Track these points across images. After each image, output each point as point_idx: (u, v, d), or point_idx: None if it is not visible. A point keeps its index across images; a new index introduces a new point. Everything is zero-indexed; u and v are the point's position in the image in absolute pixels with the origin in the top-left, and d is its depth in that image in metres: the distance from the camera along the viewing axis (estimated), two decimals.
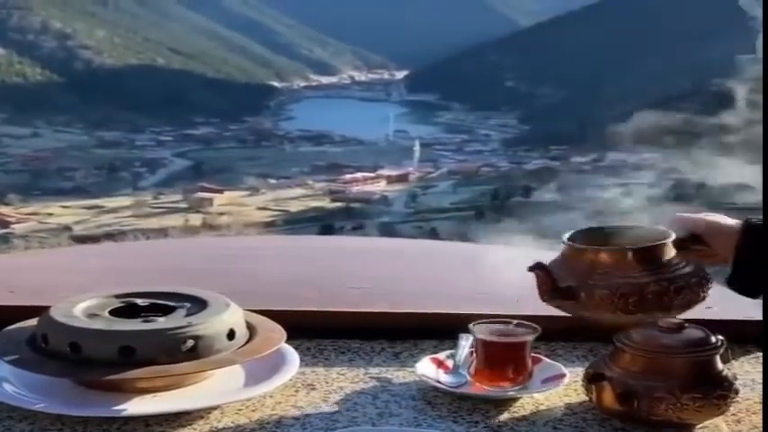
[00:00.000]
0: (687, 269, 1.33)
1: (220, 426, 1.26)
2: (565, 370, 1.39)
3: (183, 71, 39.24)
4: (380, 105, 40.10)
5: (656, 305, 1.30)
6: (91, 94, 36.81)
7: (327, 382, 1.41)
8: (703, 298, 1.34)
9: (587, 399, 1.32)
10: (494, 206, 29.68)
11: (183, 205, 31.30)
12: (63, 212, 30.78)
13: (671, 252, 1.35)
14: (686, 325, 1.27)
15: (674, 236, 1.36)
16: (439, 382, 1.36)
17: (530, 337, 1.34)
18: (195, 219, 28.37)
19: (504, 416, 1.30)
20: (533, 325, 1.35)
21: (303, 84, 41.81)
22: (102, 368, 1.26)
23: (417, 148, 34.78)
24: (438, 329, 1.57)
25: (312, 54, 43.29)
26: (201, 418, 1.27)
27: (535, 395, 1.35)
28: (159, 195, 32.92)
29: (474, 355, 1.37)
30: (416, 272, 1.95)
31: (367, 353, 1.54)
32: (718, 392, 1.23)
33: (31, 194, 31.96)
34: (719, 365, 1.25)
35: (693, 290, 1.32)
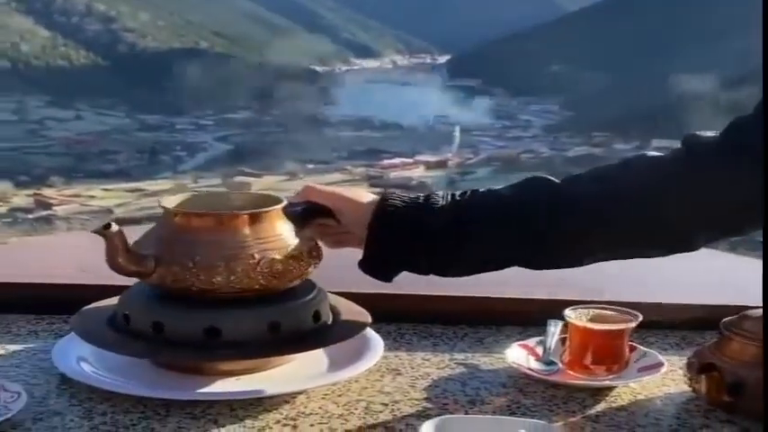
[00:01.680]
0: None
1: (307, 411, 1.21)
2: (662, 358, 1.33)
3: (225, 54, 39.36)
4: (422, 90, 39.99)
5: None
6: (134, 77, 37.03)
7: (413, 368, 1.36)
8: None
9: (689, 389, 1.26)
10: None
11: (223, 189, 31.43)
12: (105, 195, 31.04)
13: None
14: None
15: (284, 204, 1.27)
16: (531, 369, 1.31)
17: (631, 325, 1.28)
18: None
19: (602, 405, 1.25)
20: (634, 312, 1.29)
21: (345, 68, 41.76)
22: (186, 349, 1.22)
23: (457, 133, 34.63)
24: (521, 315, 1.52)
25: (354, 38, 43.24)
26: (287, 402, 1.23)
27: (631, 384, 1.29)
28: (199, 179, 33.10)
29: (568, 341, 1.32)
30: None
31: (450, 338, 1.49)
32: None
33: (73, 177, 32.24)
34: None
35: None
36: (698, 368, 1.20)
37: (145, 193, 31.48)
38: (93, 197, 30.69)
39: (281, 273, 1.23)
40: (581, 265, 1.27)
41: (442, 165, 33.67)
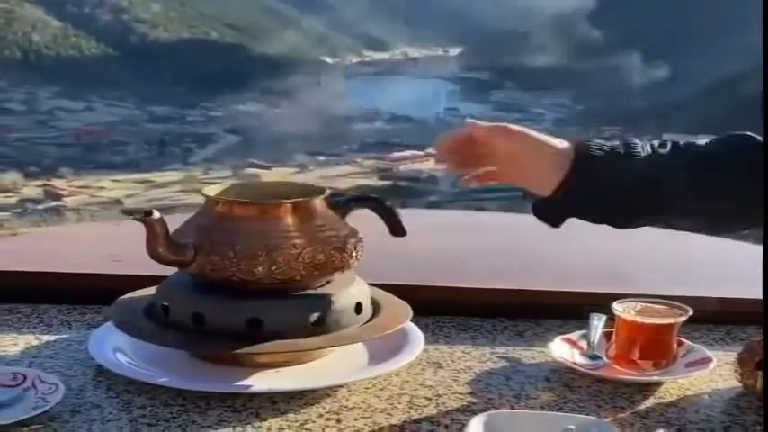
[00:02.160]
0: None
1: (349, 404, 1.19)
2: (710, 354, 1.30)
3: (236, 46, 39.30)
4: (433, 83, 39.88)
5: None
6: (144, 68, 37.01)
7: (453, 361, 1.34)
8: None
9: (738, 384, 1.23)
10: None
11: (233, 181, 31.36)
12: (114, 186, 31.06)
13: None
14: None
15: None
16: (576, 363, 1.29)
17: (681, 319, 1.25)
18: None
19: (650, 401, 1.22)
20: (683, 306, 1.26)
21: (356, 60, 41.67)
22: (227, 341, 1.20)
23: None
24: (559, 307, 1.50)
25: (366, 30, 43.15)
26: (328, 395, 1.20)
27: (679, 380, 1.27)
28: (209, 171, 33.09)
29: (614, 335, 1.29)
30: (526, 247, 1.87)
31: (489, 331, 1.46)
32: None
33: (82, 168, 32.26)
34: None
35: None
36: (755, 364, 1.17)
37: (154, 184, 31.50)
38: (102, 188, 30.72)
39: (323, 264, 1.20)
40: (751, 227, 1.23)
41: None
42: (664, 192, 1.16)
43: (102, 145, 35.07)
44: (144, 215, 1.17)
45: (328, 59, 40.82)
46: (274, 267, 1.18)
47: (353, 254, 1.24)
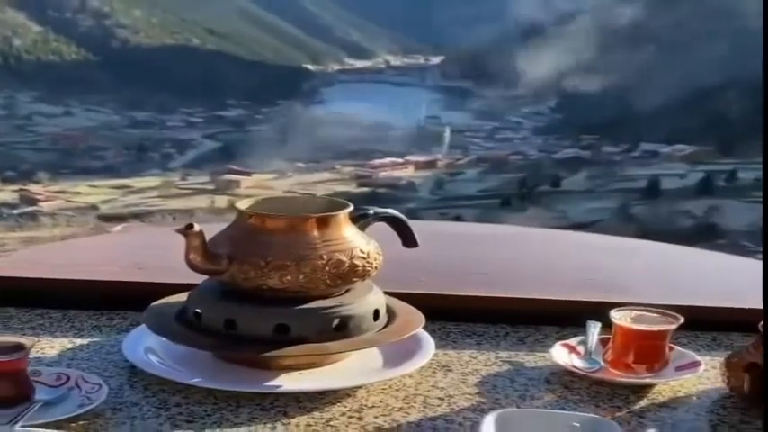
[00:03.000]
0: None
1: (369, 403, 1.29)
2: (699, 358, 1.41)
3: (217, 52, 39.32)
4: (414, 90, 40.03)
5: None
6: (125, 73, 36.94)
7: (461, 365, 1.44)
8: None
9: (724, 386, 1.34)
10: (521, 194, 29.65)
11: (211, 187, 31.39)
12: (91, 192, 30.93)
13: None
14: None
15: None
16: (575, 367, 1.39)
17: (672, 326, 1.36)
18: (221, 200, 28.47)
19: (644, 402, 1.32)
20: (675, 314, 1.37)
21: (337, 67, 41.75)
22: (256, 345, 1.30)
23: (447, 134, 34.70)
24: (559, 315, 1.60)
25: (348, 37, 43.23)
26: (348, 396, 1.30)
27: (671, 382, 1.37)
28: (187, 176, 33.04)
29: (611, 341, 1.40)
30: (522, 258, 1.98)
31: (492, 337, 1.57)
32: None
33: (60, 173, 32.14)
34: None
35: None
36: (743, 367, 1.28)
37: (131, 189, 31.40)
38: (78, 193, 30.58)
39: (346, 273, 1.30)
40: None
41: (431, 165, 33.73)
42: None
43: (81, 150, 34.93)
44: (186, 228, 1.26)
45: (310, 66, 40.87)
46: (302, 277, 1.28)
47: (373, 264, 1.34)
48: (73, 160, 34.01)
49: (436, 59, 41.89)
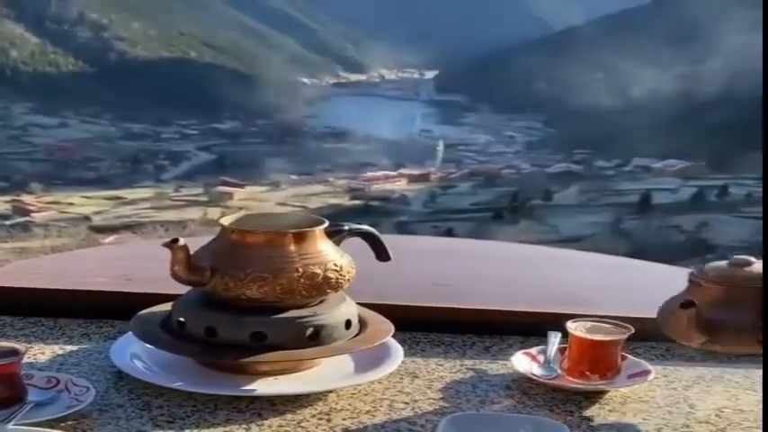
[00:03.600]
0: None
1: (338, 407, 1.38)
2: (650, 367, 1.51)
3: (214, 65, 39.49)
4: (408, 104, 40.24)
5: None
6: (121, 85, 37.08)
7: (428, 372, 1.54)
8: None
9: (672, 392, 1.44)
10: (512, 208, 29.78)
11: (204, 199, 31.49)
12: (84, 203, 30.98)
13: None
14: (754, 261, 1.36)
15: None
16: (533, 374, 1.49)
17: (623, 336, 1.46)
18: (214, 212, 28.56)
19: (596, 407, 1.42)
20: (626, 325, 1.47)
21: (333, 81, 41.97)
22: (235, 351, 1.39)
23: (441, 148, 34.85)
24: (523, 326, 1.70)
25: (344, 52, 43.45)
26: (320, 399, 1.40)
27: (622, 389, 1.47)
28: (180, 188, 33.12)
29: (567, 350, 1.49)
30: (491, 272, 2.08)
31: (459, 346, 1.66)
32: None
33: (53, 184, 32.19)
34: None
35: None
36: (680, 304, 1.32)
37: (123, 201, 31.45)
38: (71, 204, 30.60)
39: (320, 285, 1.40)
40: None
41: (424, 178, 33.86)
42: None
43: (75, 161, 34.99)
44: (171, 242, 1.36)
45: (305, 80, 41.04)
46: (278, 288, 1.38)
47: (346, 277, 1.44)
48: (67, 171, 34.07)
49: (431, 74, 42.13)
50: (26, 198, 30.11)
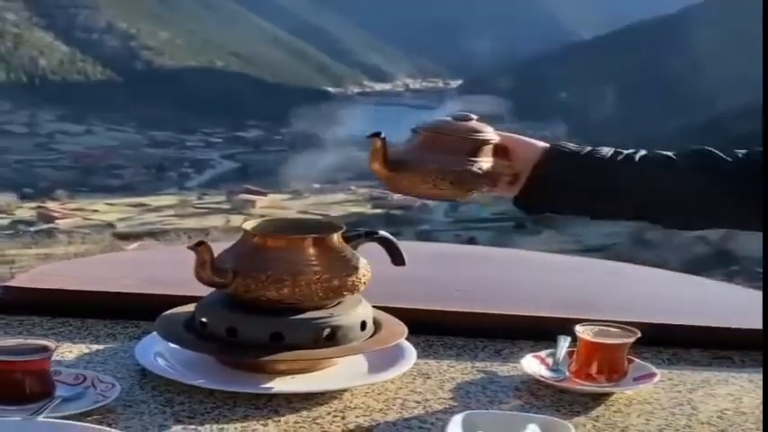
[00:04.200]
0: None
1: (352, 405, 1.44)
2: (655, 370, 1.56)
3: (239, 74, 39.73)
4: (432, 113, 40.22)
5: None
6: (147, 93, 37.38)
7: (440, 373, 1.59)
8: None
9: (677, 395, 1.48)
10: (535, 218, 29.68)
11: (226, 206, 31.64)
12: (108, 210, 31.21)
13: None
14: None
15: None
16: (542, 376, 1.54)
17: (630, 340, 1.51)
18: (237, 220, 28.68)
19: (601, 408, 1.47)
20: (633, 329, 1.52)
21: (357, 90, 42.11)
22: (254, 351, 1.45)
23: None
24: (533, 330, 1.74)
25: (369, 61, 43.60)
26: (335, 398, 1.45)
27: (627, 391, 1.52)
28: (203, 196, 33.30)
29: (575, 353, 1.54)
30: (503, 277, 2.13)
31: (471, 349, 1.71)
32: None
33: (78, 191, 32.45)
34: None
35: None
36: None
37: (148, 208, 31.66)
38: (96, 211, 30.82)
39: (337, 288, 1.46)
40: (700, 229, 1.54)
41: None
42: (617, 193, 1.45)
43: (100, 168, 35.29)
44: (196, 245, 1.42)
45: (330, 89, 41.19)
46: (297, 290, 1.44)
47: (362, 280, 1.50)
48: (92, 178, 34.35)
49: (455, 83, 42.15)
50: (51, 205, 30.38)
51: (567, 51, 39.33)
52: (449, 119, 1.50)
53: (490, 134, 1.50)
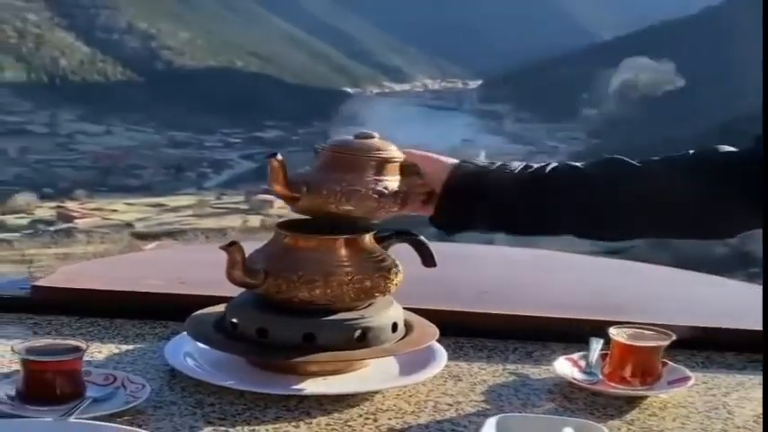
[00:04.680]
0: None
1: (384, 407, 1.42)
2: (690, 373, 1.54)
3: (259, 74, 39.81)
4: (451, 114, 40.28)
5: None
6: (167, 94, 37.51)
7: (471, 375, 1.57)
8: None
9: (711, 398, 1.46)
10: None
11: (244, 207, 31.71)
12: (127, 209, 31.35)
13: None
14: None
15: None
16: (575, 379, 1.52)
17: (664, 343, 1.49)
18: (254, 220, 28.72)
19: (635, 411, 1.45)
20: (668, 332, 1.50)
21: (376, 90, 42.14)
22: (286, 352, 1.44)
23: (482, 157, 34.72)
24: (565, 332, 1.73)
25: (389, 61, 43.63)
26: (366, 400, 1.44)
27: (661, 395, 1.50)
28: (222, 196, 33.40)
29: (609, 356, 1.53)
30: (529, 277, 2.12)
31: (502, 351, 1.70)
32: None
33: (97, 191, 32.61)
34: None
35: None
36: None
37: (166, 208, 31.78)
38: (115, 211, 30.95)
39: (368, 289, 1.45)
40: (622, 239, 1.52)
41: None
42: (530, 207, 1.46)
43: (119, 168, 35.45)
44: (228, 245, 1.41)
45: (349, 89, 41.23)
46: (329, 291, 1.43)
47: (393, 281, 1.49)
48: (111, 178, 34.52)
49: (474, 84, 42.11)
50: (70, 204, 30.53)
51: (587, 52, 39.20)
52: (351, 138, 1.49)
53: (394, 152, 1.49)
